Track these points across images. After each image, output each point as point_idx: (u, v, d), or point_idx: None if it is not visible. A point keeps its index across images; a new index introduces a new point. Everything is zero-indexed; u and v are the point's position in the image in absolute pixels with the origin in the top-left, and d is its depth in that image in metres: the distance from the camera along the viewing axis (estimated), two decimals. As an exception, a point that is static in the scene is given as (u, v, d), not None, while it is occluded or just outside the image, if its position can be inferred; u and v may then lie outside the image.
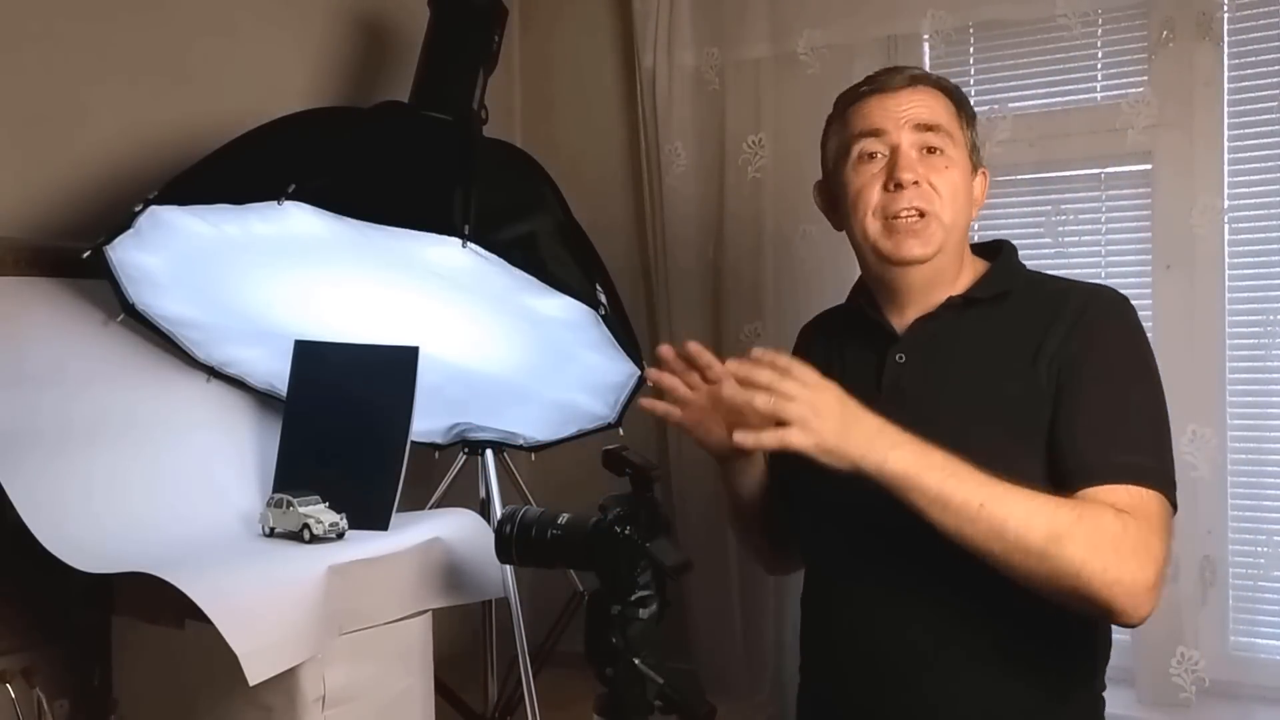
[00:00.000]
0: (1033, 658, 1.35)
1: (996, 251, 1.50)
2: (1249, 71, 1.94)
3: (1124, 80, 2.04)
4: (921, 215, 1.39)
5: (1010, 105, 2.11)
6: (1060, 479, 1.28)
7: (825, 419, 1.21)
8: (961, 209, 1.41)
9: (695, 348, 1.46)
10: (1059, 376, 1.32)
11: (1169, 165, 1.98)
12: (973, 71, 2.18)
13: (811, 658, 1.56)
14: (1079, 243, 2.08)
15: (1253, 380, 1.96)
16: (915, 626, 1.38)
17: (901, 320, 1.47)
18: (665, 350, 1.48)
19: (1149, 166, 2.01)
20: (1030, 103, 2.10)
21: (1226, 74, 1.95)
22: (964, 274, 1.45)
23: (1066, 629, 1.35)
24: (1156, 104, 1.97)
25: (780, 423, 1.22)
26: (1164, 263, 1.99)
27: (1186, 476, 1.94)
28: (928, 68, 2.19)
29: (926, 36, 2.17)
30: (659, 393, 1.49)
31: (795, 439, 1.21)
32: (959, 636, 1.36)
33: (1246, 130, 1.95)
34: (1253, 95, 1.94)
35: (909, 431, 1.24)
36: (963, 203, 1.41)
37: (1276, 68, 1.93)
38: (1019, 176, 2.12)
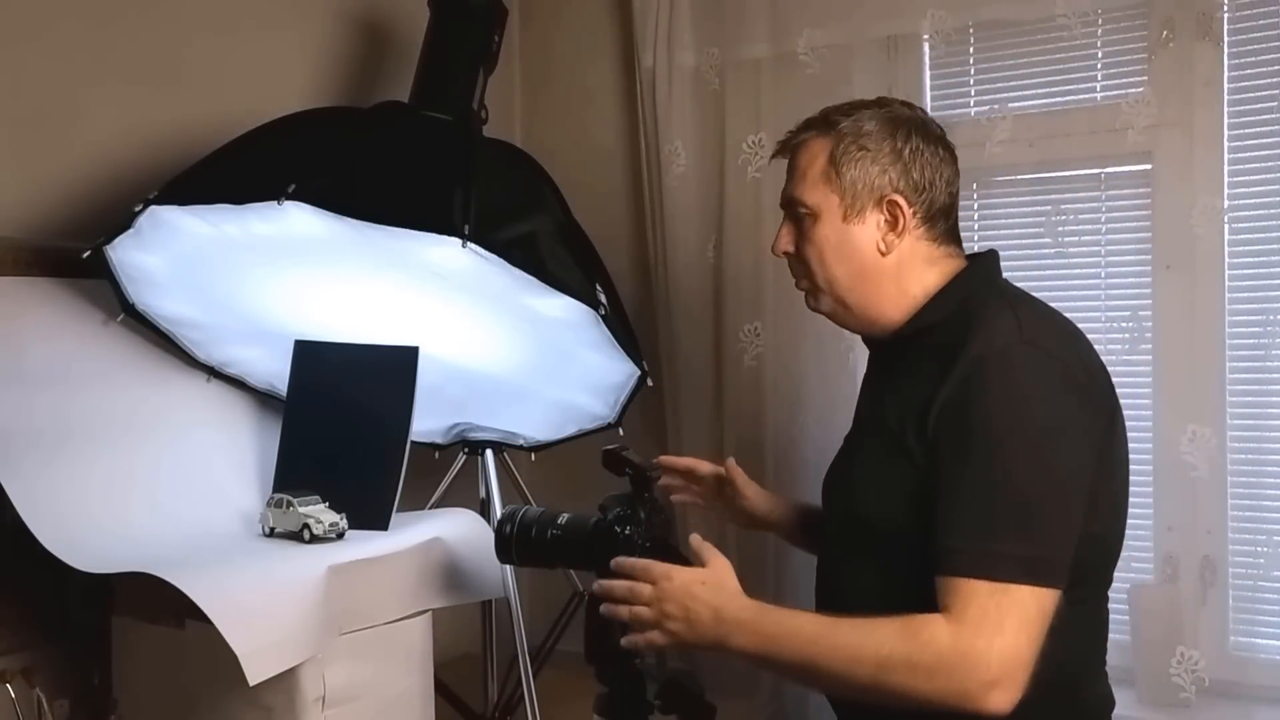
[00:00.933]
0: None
1: (971, 264, 1.47)
2: (1249, 71, 1.94)
3: (1124, 80, 2.03)
4: (804, 286, 1.47)
5: (1010, 105, 2.10)
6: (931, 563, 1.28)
7: (676, 620, 1.31)
8: (838, 264, 1.42)
9: (666, 460, 1.71)
10: (932, 451, 1.30)
11: (1169, 165, 1.98)
12: (973, 71, 2.17)
13: None
14: (1079, 243, 2.07)
15: (1253, 380, 1.96)
16: None
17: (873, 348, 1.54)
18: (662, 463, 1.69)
19: (1149, 166, 2.01)
20: (1030, 103, 2.10)
21: (1226, 74, 1.95)
22: (905, 303, 1.42)
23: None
24: (1156, 104, 1.97)
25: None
26: (1164, 263, 1.99)
27: (1186, 476, 1.94)
28: (927, 68, 2.20)
29: (926, 36, 2.17)
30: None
31: (660, 641, 1.32)
32: None
33: (1246, 130, 1.95)
34: (1253, 95, 1.94)
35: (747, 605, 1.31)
36: (837, 259, 1.42)
37: (1276, 68, 1.92)
38: (1019, 176, 2.11)
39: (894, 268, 1.41)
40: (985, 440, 1.25)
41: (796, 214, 1.45)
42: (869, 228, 1.41)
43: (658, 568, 1.32)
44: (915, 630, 1.21)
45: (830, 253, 1.42)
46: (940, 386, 1.30)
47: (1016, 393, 1.27)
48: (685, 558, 1.37)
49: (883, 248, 1.40)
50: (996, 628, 1.19)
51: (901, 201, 1.39)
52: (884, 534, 1.35)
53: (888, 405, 1.40)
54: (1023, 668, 1.19)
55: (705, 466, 1.70)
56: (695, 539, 1.37)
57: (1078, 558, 1.28)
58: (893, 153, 1.40)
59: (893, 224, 1.40)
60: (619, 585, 1.33)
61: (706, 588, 1.31)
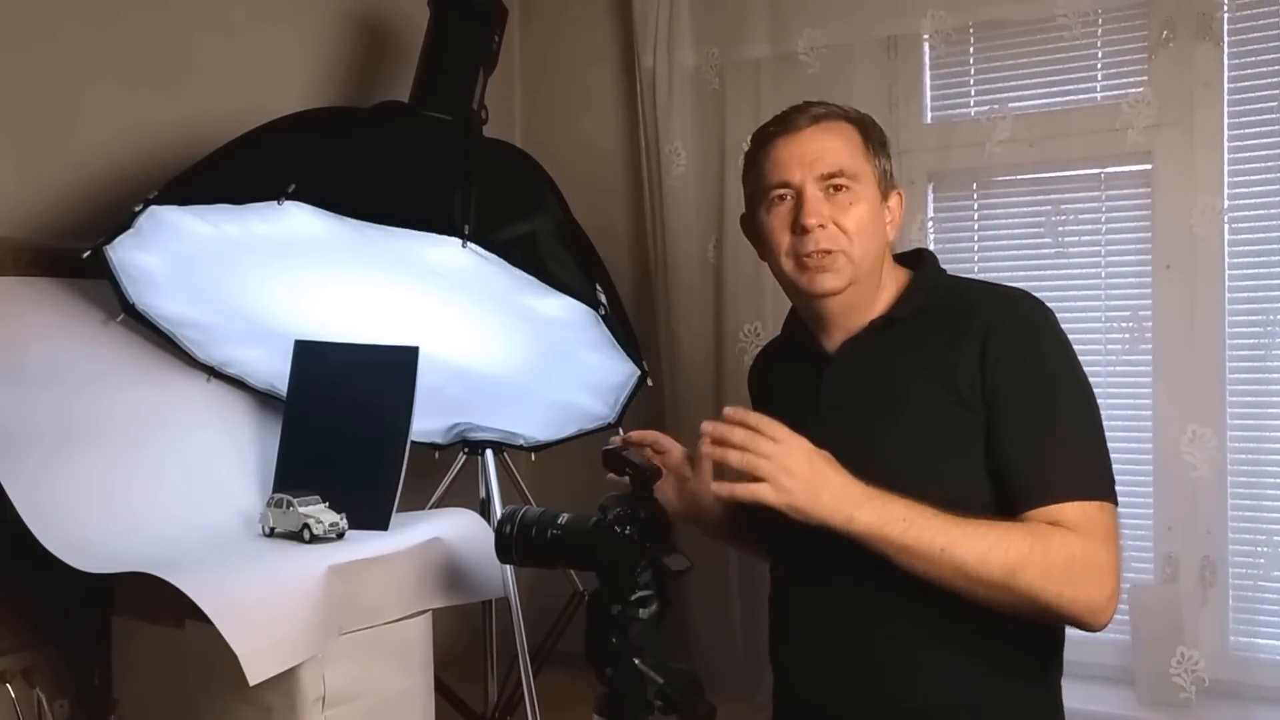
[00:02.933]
0: (993, 650, 1.39)
1: (918, 261, 1.56)
2: (1249, 71, 1.94)
3: (1124, 80, 2.03)
4: (828, 253, 1.46)
5: (1010, 105, 2.11)
6: (1006, 502, 1.36)
7: (795, 478, 1.30)
8: (871, 239, 1.47)
9: (636, 435, 1.62)
10: (987, 401, 1.38)
11: (1169, 165, 1.98)
12: (973, 71, 2.18)
13: (783, 661, 1.60)
14: (1079, 243, 2.08)
15: (1253, 380, 1.96)
16: (884, 627, 1.42)
17: (831, 343, 1.53)
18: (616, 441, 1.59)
19: (1149, 166, 2.01)
20: (1030, 103, 2.10)
21: (1226, 74, 1.95)
22: (885, 291, 1.51)
23: (1025, 627, 1.38)
24: (1156, 104, 1.97)
25: (754, 478, 1.31)
26: (1164, 263, 1.99)
27: (1186, 476, 1.94)
28: (927, 68, 2.20)
29: (926, 36, 2.17)
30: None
31: (768, 495, 1.30)
32: (925, 635, 1.40)
33: (1246, 130, 1.95)
34: (1253, 95, 1.94)
35: (869, 484, 1.32)
36: (871, 233, 1.47)
37: (1276, 68, 1.92)
38: (1019, 176, 2.12)
39: (886, 257, 1.51)
40: (1051, 387, 1.37)
41: (835, 185, 1.45)
42: (890, 212, 1.51)
43: (776, 426, 1.31)
44: (1046, 535, 1.28)
45: (869, 225, 1.47)
46: (980, 345, 1.38)
47: (1065, 344, 1.41)
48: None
49: (889, 236, 1.51)
50: (1106, 543, 1.30)
51: (903, 197, 1.53)
52: (958, 503, 1.33)
53: (910, 382, 1.43)
54: (1119, 583, 1.31)
55: (672, 444, 1.62)
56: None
57: None
58: (889, 156, 1.52)
59: (893, 218, 1.52)
60: (737, 431, 1.31)
61: (831, 460, 1.32)
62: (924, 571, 1.30)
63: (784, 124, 1.50)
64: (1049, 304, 1.46)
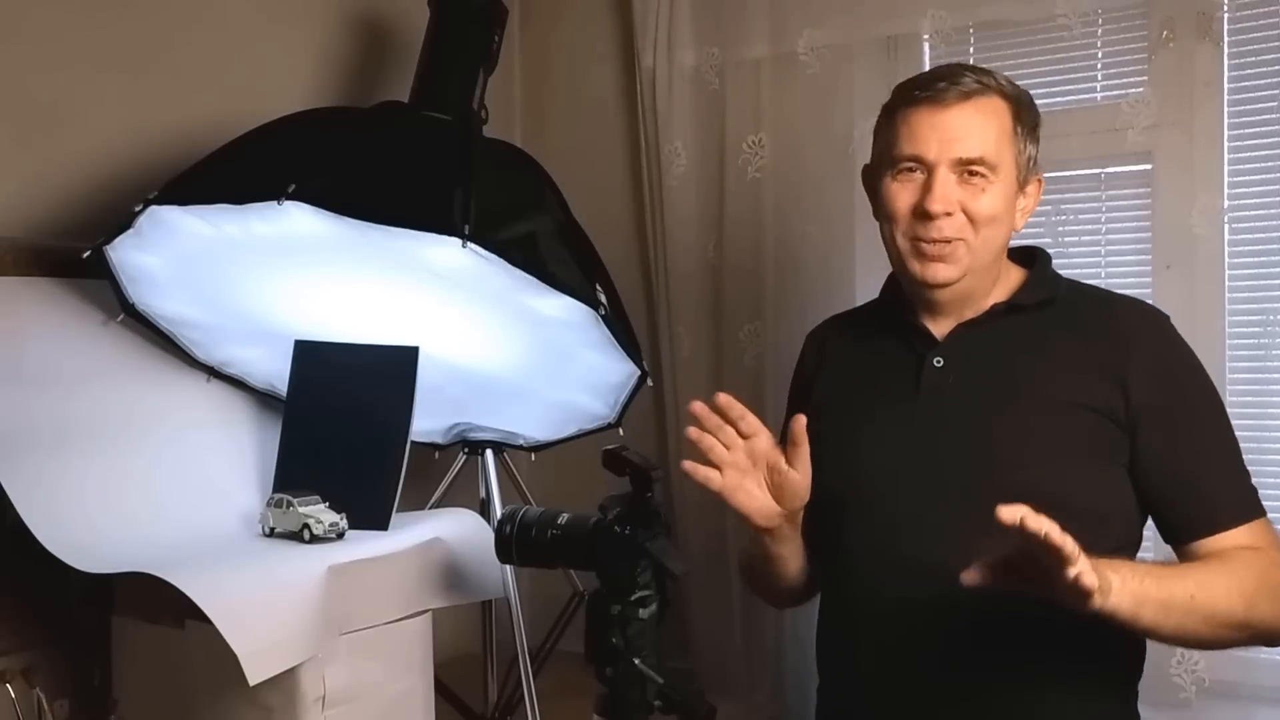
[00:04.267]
0: (1077, 670, 1.35)
1: (1032, 258, 1.50)
2: (1249, 71, 1.94)
3: (1124, 80, 2.03)
4: (948, 242, 1.38)
5: (1010, 105, 2.10)
6: (1173, 529, 1.37)
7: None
8: (998, 230, 1.39)
9: (725, 400, 1.38)
10: (1132, 417, 1.36)
11: (1169, 165, 1.98)
12: (973, 71, 2.17)
13: (839, 674, 1.52)
14: (1079, 243, 2.08)
15: (1253, 380, 1.96)
16: (964, 641, 1.35)
17: (937, 325, 1.46)
18: (698, 407, 1.39)
19: (1149, 166, 2.01)
20: (1030, 103, 2.10)
21: (1226, 74, 1.95)
22: (1002, 281, 1.45)
23: (1106, 641, 1.32)
24: (1156, 104, 1.97)
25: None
26: (1164, 263, 1.99)
27: (1186, 476, 1.94)
28: (927, 68, 2.18)
29: (926, 36, 2.17)
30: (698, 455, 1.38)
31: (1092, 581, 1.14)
32: (1005, 652, 1.34)
33: (1246, 130, 1.95)
34: (1253, 95, 1.94)
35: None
36: (1000, 224, 1.39)
37: (1276, 68, 1.92)
38: (1019, 176, 2.11)
39: (1005, 245, 1.44)
40: (1207, 401, 1.39)
41: (972, 171, 1.36)
42: (1025, 200, 1.44)
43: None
44: (1249, 562, 1.29)
45: (1000, 218, 1.38)
46: (1130, 361, 1.36)
47: (1198, 363, 1.42)
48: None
49: (1018, 225, 1.44)
50: None
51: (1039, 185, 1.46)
52: (1061, 506, 1.15)
53: (1049, 377, 1.38)
54: None
55: (760, 426, 1.40)
56: None
57: None
58: (1037, 134, 1.44)
59: (1027, 206, 1.44)
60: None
61: None
62: (1180, 626, 1.24)
63: (930, 91, 1.37)
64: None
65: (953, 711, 1.36)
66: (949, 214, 1.36)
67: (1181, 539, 1.36)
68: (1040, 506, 1.15)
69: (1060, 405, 1.36)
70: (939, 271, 1.38)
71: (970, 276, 1.40)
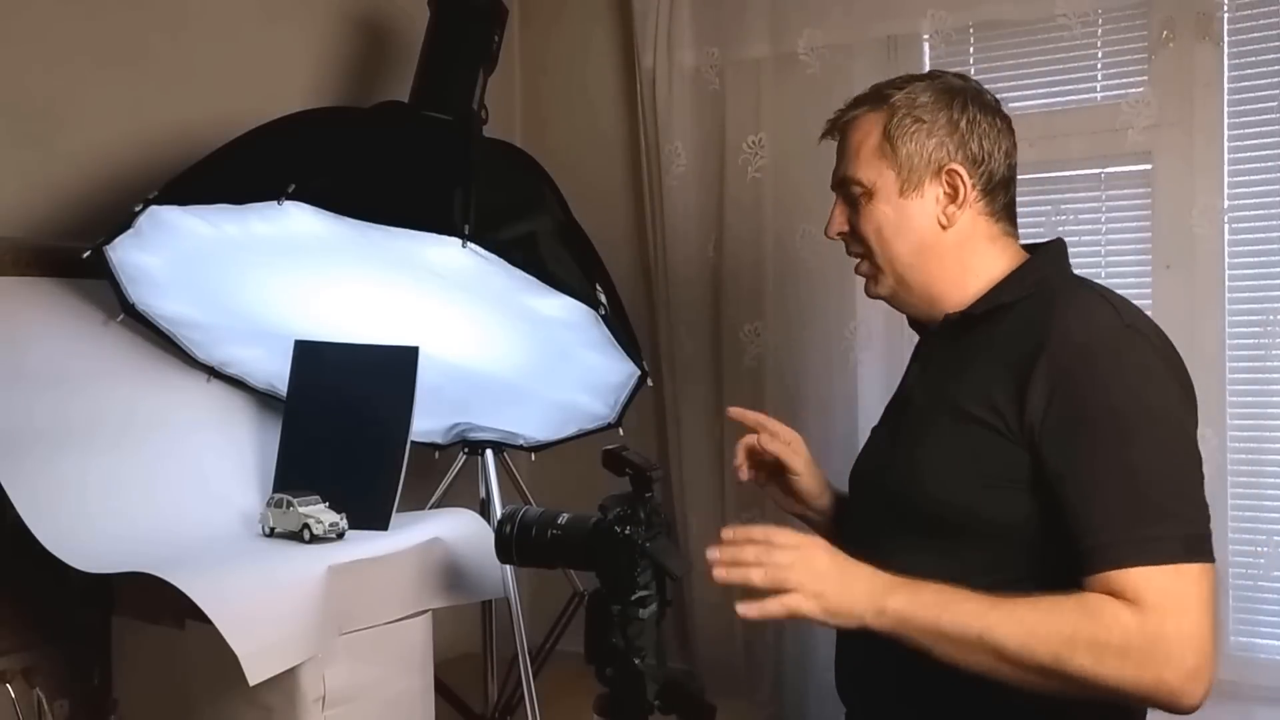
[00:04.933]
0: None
1: (1037, 251, 1.44)
2: (1249, 71, 1.94)
3: (1124, 80, 2.03)
4: (860, 259, 1.43)
5: (1010, 105, 2.08)
6: (1073, 562, 1.21)
7: (825, 580, 1.22)
8: (897, 242, 1.38)
9: (735, 414, 1.55)
10: (1029, 438, 1.24)
11: (1169, 165, 1.98)
12: (973, 72, 2.17)
13: (851, 690, 1.49)
14: (1079, 243, 2.07)
15: (1253, 380, 1.96)
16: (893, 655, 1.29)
17: (924, 332, 1.49)
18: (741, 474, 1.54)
19: (1149, 166, 2.01)
20: (1030, 103, 2.10)
21: (1226, 74, 1.95)
22: (974, 284, 1.38)
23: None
24: (1156, 104, 1.97)
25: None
26: (1164, 263, 1.99)
27: (1186, 476, 1.94)
28: (927, 68, 2.19)
29: (926, 36, 2.17)
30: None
31: (803, 605, 1.21)
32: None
33: (1246, 130, 1.95)
34: (1253, 95, 1.94)
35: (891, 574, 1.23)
36: (902, 231, 1.38)
37: (1276, 68, 1.92)
38: (1019, 176, 2.10)
39: (955, 244, 1.38)
40: (1113, 427, 1.20)
41: (850, 193, 1.41)
42: (927, 201, 1.37)
43: (786, 533, 1.24)
44: (1096, 609, 1.15)
45: (889, 229, 1.38)
46: (1034, 369, 1.24)
47: (1133, 378, 1.24)
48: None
49: (943, 220, 1.37)
50: (1181, 611, 1.13)
51: (962, 171, 1.36)
52: (955, 521, 1.27)
53: (957, 385, 1.33)
54: (1211, 654, 1.13)
55: (780, 428, 1.51)
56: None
57: None
58: (949, 123, 1.37)
59: (952, 195, 1.37)
60: (747, 550, 1.23)
61: (842, 555, 1.24)
62: (964, 660, 1.18)
63: (827, 126, 1.46)
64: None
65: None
66: (842, 235, 1.43)
67: (1071, 571, 1.20)
68: (945, 525, 1.23)
69: (965, 417, 1.30)
70: (869, 288, 1.44)
71: (906, 288, 1.41)
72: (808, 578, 1.22)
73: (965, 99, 1.39)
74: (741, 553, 1.24)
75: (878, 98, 1.40)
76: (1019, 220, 2.15)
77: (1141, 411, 1.22)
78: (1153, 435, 1.22)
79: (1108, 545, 1.17)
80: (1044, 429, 1.23)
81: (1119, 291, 2.03)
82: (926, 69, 2.19)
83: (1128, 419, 1.21)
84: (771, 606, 1.23)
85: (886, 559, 1.25)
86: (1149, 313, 1.96)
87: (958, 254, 1.38)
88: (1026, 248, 1.43)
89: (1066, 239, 2.04)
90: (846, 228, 1.42)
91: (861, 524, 1.44)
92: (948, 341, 1.40)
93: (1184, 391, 1.29)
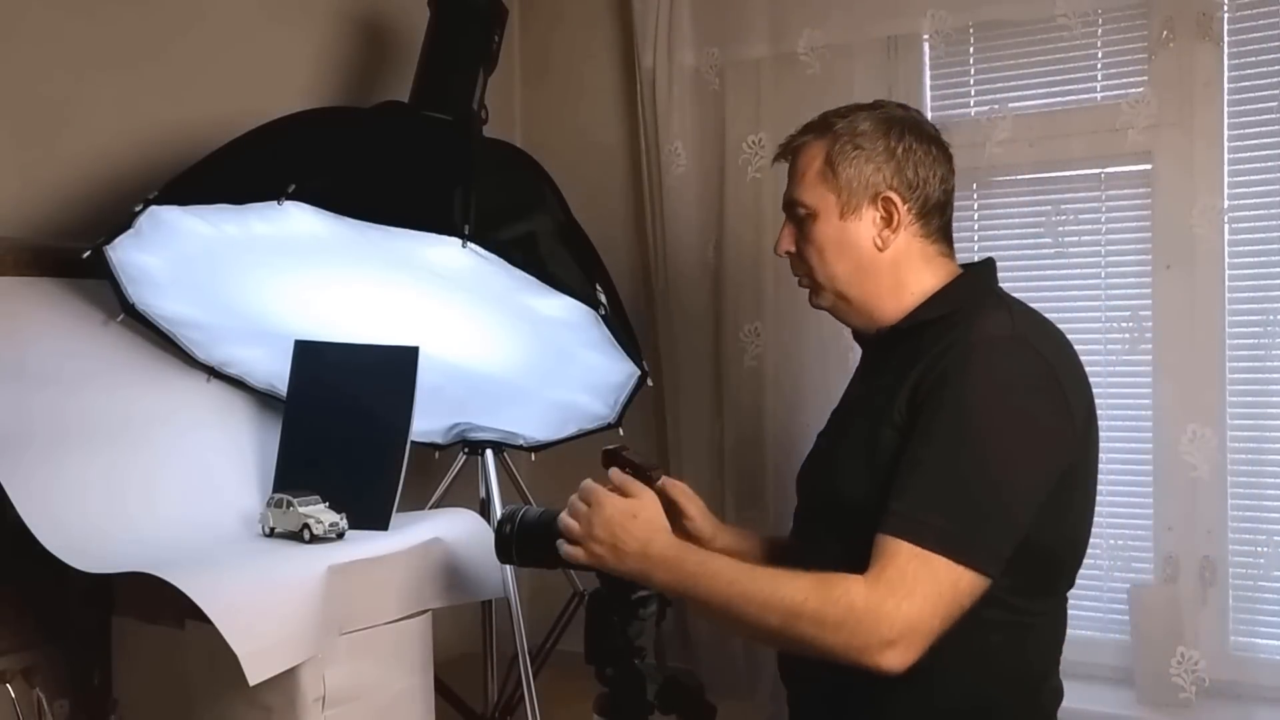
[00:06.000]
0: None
1: (967, 271, 1.51)
2: (1249, 71, 1.94)
3: (1124, 80, 2.03)
4: (803, 276, 1.51)
5: (1010, 105, 2.10)
6: None
7: (600, 542, 1.34)
8: (837, 263, 1.46)
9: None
10: (905, 430, 1.34)
11: (1169, 165, 1.98)
12: (973, 71, 2.17)
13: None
14: (1079, 243, 2.07)
15: (1253, 380, 1.96)
16: None
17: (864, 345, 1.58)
18: None
19: (1149, 166, 2.01)
20: (1030, 103, 2.10)
21: (1226, 74, 1.94)
22: (908, 300, 1.46)
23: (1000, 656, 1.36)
24: (1156, 104, 1.97)
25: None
26: (1164, 263, 1.99)
27: (1186, 477, 1.94)
28: (927, 68, 2.20)
29: (926, 36, 2.17)
30: None
31: (580, 557, 1.37)
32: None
33: (1246, 130, 1.95)
34: (1253, 95, 1.94)
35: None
36: (841, 252, 1.46)
37: (1276, 68, 1.92)
38: (1019, 176, 2.11)
39: (890, 263, 1.46)
40: (952, 418, 1.30)
41: (797, 215, 1.50)
42: (865, 224, 1.45)
43: (599, 492, 1.37)
44: (830, 585, 1.25)
45: (830, 250, 1.47)
46: (929, 372, 1.34)
47: (994, 380, 1.32)
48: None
49: (879, 243, 1.46)
50: (908, 592, 1.23)
51: (895, 198, 1.44)
52: (851, 508, 1.35)
53: (877, 391, 1.42)
54: (924, 636, 1.23)
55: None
56: (615, 472, 1.40)
57: (1047, 570, 1.36)
58: (886, 151, 1.44)
59: (888, 220, 1.45)
60: (579, 504, 1.37)
61: (637, 522, 1.35)
62: (722, 624, 1.35)
63: (778, 151, 1.55)
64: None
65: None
66: (789, 253, 1.51)
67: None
68: (850, 519, 1.32)
69: (875, 419, 1.38)
70: (812, 300, 1.53)
71: (845, 304, 1.49)
72: (589, 539, 1.35)
73: (904, 128, 1.46)
74: (575, 505, 1.38)
75: (823, 126, 1.48)
76: (1018, 221, 2.17)
77: (987, 414, 1.30)
78: (985, 438, 1.29)
79: (891, 513, 1.27)
80: (914, 413, 1.33)
81: (1115, 292, 2.06)
82: (926, 69, 2.21)
83: (969, 417, 1.29)
84: (566, 550, 1.37)
85: (817, 557, 1.33)
86: (1149, 312, 2.00)
87: (893, 273, 1.46)
88: (963, 266, 1.51)
89: (1066, 239, 2.08)
90: (794, 247, 1.51)
91: (801, 525, 1.54)
92: (880, 354, 1.50)
93: (1060, 410, 1.34)
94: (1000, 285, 1.51)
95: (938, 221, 1.47)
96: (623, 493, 1.37)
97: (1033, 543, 1.31)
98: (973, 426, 1.29)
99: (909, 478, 1.29)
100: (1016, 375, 1.33)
